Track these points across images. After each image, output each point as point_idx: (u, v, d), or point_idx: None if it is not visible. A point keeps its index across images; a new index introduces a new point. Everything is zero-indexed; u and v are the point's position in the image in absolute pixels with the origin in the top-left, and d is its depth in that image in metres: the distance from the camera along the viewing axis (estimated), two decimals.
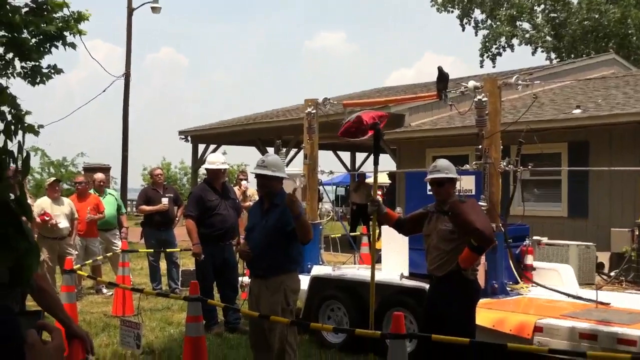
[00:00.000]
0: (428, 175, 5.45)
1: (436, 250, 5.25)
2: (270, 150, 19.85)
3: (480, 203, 7.00)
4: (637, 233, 10.25)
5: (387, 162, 17.04)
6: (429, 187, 5.73)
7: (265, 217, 5.48)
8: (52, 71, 8.89)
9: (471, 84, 7.67)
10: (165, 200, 10.84)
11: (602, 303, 6.69)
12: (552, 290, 7.26)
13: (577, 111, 13.74)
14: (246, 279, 8.65)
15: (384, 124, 6.13)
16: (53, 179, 10.97)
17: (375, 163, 5.69)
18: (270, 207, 5.49)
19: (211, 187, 8.19)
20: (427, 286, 6.26)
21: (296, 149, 20.27)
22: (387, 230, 6.08)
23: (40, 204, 10.03)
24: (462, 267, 5.13)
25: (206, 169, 8.44)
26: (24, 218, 1.62)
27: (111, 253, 10.80)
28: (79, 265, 8.93)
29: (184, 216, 8.38)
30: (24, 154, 1.72)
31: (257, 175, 5.50)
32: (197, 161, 22.23)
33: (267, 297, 5.41)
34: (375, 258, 5.43)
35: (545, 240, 10.50)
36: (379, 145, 5.84)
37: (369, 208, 5.49)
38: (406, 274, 7.17)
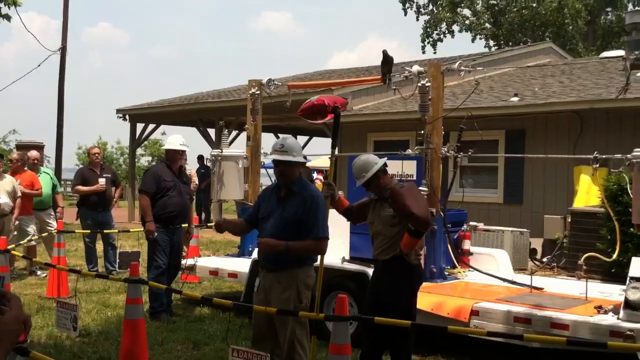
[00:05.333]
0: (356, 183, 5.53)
1: (380, 236, 5.29)
2: (211, 131, 19.67)
3: (421, 188, 7.09)
4: (569, 220, 10.54)
5: (328, 146, 17.09)
6: None
7: (282, 206, 5.00)
8: None
9: (415, 68, 7.73)
10: (102, 181, 10.62)
11: (536, 288, 6.88)
12: (488, 275, 7.43)
13: (515, 99, 14.03)
14: (190, 261, 8.58)
15: (343, 109, 6.15)
16: None
17: (333, 147, 5.68)
18: (288, 195, 5.02)
19: (169, 169, 8.06)
20: (368, 270, 6.32)
21: (237, 131, 20.12)
22: (329, 214, 6.09)
23: None
24: (404, 252, 5.19)
25: (165, 149, 8.28)
26: None
27: (46, 233, 10.52)
28: (13, 245, 8.68)
29: (139, 191, 8.17)
30: None
31: (277, 162, 4.97)
32: (135, 141, 21.82)
33: (278, 292, 4.94)
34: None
35: (481, 225, 10.71)
36: (338, 129, 5.84)
37: (323, 191, 5.42)
38: (347, 257, 7.23)
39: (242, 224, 5.53)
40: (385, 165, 5.41)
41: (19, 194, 10.01)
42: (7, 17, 8.31)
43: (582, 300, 6.33)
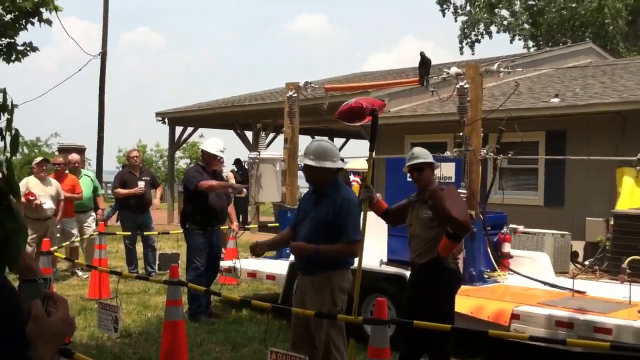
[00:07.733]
0: (406, 163, 5.43)
1: (418, 238, 5.25)
2: (249, 134, 19.77)
3: (460, 191, 7.02)
4: (611, 223, 10.35)
5: (364, 148, 17.05)
6: (408, 175, 5.71)
7: (315, 209, 4.99)
8: (28, 48, 8.75)
9: (453, 70, 7.67)
10: (141, 184, 10.74)
11: (578, 291, 6.76)
12: (529, 278, 7.32)
13: (555, 100, 13.83)
14: (228, 263, 8.62)
15: (381, 112, 6.12)
16: (41, 158, 10.80)
17: (371, 149, 5.66)
18: (321, 198, 5.00)
19: (204, 170, 8.04)
20: (406, 273, 6.27)
21: (274, 133, 20.18)
22: (367, 217, 6.06)
23: (26, 183, 9.85)
24: (442, 256, 5.14)
25: (202, 150, 8.27)
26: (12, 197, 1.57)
27: (87, 235, 10.66)
28: (55, 247, 8.83)
29: (194, 186, 7.99)
30: (13, 131, 1.67)
31: (303, 166, 5.04)
32: (174, 144, 22.04)
33: (312, 295, 4.91)
34: (363, 244, 5.36)
35: (521, 228, 10.57)
36: (376, 131, 5.81)
37: (361, 194, 5.39)
38: (385, 260, 7.19)
39: (287, 234, 5.34)
40: (435, 164, 5.40)
41: (62, 197, 10.17)
42: (49, 22, 8.45)
43: (626, 304, 6.20)
